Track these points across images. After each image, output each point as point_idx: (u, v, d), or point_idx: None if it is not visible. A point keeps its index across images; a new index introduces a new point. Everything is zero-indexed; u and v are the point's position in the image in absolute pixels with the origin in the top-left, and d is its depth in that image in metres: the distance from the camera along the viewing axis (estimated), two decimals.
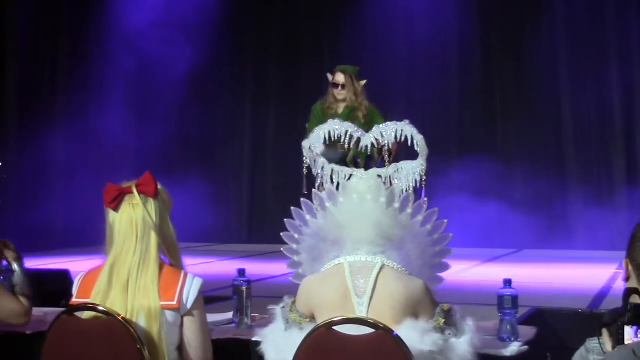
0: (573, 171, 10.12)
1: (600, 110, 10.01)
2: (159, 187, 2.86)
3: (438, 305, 2.80)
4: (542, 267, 7.74)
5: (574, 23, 10.08)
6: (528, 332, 3.74)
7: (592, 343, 2.07)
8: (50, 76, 10.82)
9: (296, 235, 3.23)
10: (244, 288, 3.85)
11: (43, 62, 10.74)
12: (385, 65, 10.45)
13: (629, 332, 1.87)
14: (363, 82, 6.56)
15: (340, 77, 6.51)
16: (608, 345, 1.94)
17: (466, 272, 7.33)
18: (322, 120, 6.41)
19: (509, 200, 9.91)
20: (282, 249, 3.32)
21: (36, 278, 5.83)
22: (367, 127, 6.20)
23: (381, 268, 2.77)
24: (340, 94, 6.50)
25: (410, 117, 3.43)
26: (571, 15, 10.12)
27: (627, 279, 2.14)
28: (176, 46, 10.73)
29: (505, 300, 3.56)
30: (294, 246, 3.25)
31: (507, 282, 3.58)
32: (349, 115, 6.35)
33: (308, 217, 3.17)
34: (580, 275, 7.12)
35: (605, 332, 1.96)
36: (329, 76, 6.61)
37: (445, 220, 3.14)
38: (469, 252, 8.79)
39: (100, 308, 2.72)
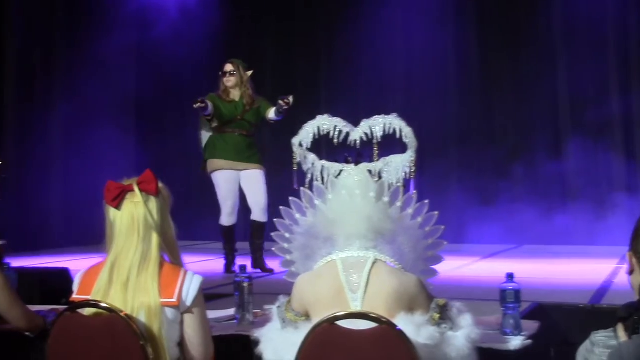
0: (572, 166, 10.09)
1: (599, 105, 9.96)
2: (160, 184, 2.86)
3: (433, 300, 2.79)
4: (542, 263, 7.72)
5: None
6: (531, 326, 3.73)
7: (597, 336, 2.08)
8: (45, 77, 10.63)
9: (287, 235, 3.22)
10: (246, 284, 3.85)
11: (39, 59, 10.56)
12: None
13: None
14: (249, 72, 6.93)
15: (228, 66, 6.88)
16: (623, 338, 2.01)
17: (466, 267, 7.33)
18: (217, 104, 6.70)
19: (508, 196, 9.90)
20: (273, 249, 3.31)
21: (37, 277, 5.88)
22: (254, 115, 6.73)
23: (374, 263, 2.77)
24: (229, 80, 6.85)
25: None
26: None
27: (631, 272, 2.14)
28: (171, 51, 10.79)
29: (508, 295, 3.55)
30: (286, 245, 3.24)
31: (510, 276, 3.58)
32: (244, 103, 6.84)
33: (298, 215, 3.16)
34: (581, 271, 7.10)
35: (620, 325, 2.03)
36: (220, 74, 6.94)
37: (436, 212, 3.12)
38: (468, 247, 8.78)
39: (103, 305, 2.72)
